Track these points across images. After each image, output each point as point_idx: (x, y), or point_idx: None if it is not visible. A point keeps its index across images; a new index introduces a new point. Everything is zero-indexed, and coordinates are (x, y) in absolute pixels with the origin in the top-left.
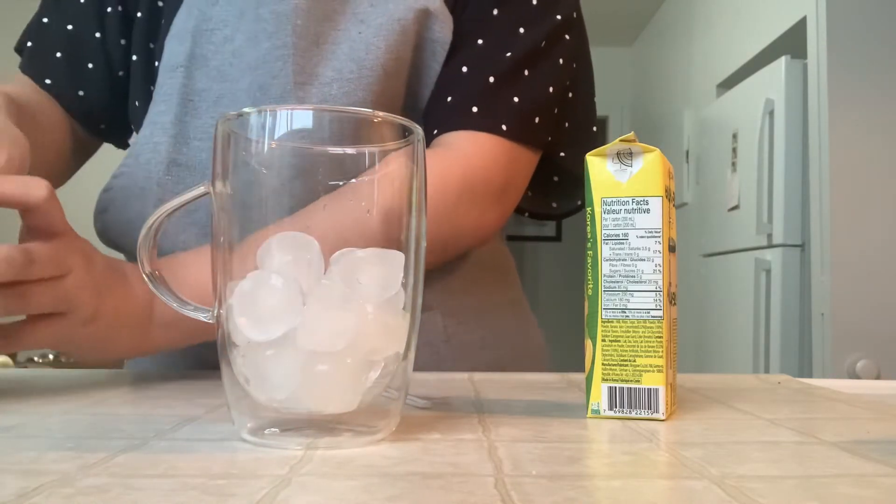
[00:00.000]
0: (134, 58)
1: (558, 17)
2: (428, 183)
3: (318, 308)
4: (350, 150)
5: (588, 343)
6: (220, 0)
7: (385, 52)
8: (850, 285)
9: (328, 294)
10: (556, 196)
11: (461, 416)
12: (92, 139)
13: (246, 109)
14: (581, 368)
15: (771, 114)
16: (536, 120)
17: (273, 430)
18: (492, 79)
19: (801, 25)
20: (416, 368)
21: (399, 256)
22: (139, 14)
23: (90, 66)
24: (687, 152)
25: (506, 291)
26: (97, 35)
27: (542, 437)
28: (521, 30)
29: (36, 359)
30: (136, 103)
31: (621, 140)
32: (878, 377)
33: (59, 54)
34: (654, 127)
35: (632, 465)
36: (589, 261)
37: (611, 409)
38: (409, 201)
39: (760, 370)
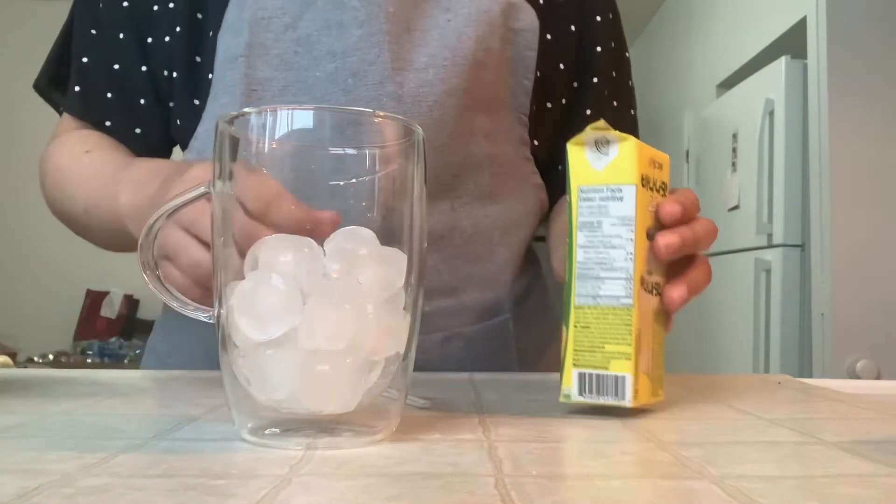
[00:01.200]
0: (174, 75)
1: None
2: None
3: (318, 307)
4: (350, 150)
5: (563, 329)
6: None
7: (475, 41)
8: (850, 285)
9: (328, 293)
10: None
11: (461, 416)
12: None
13: (246, 109)
14: None
15: (771, 114)
16: None
17: (273, 430)
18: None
19: (801, 25)
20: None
21: (401, 256)
22: (178, 28)
23: (142, 101)
24: (687, 152)
25: (547, 294)
26: (143, 69)
27: (542, 437)
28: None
29: (36, 359)
30: (178, 122)
31: (592, 128)
32: (878, 377)
33: (110, 94)
34: (654, 127)
35: (632, 465)
36: (568, 248)
37: (580, 394)
38: (410, 201)
39: (760, 370)
